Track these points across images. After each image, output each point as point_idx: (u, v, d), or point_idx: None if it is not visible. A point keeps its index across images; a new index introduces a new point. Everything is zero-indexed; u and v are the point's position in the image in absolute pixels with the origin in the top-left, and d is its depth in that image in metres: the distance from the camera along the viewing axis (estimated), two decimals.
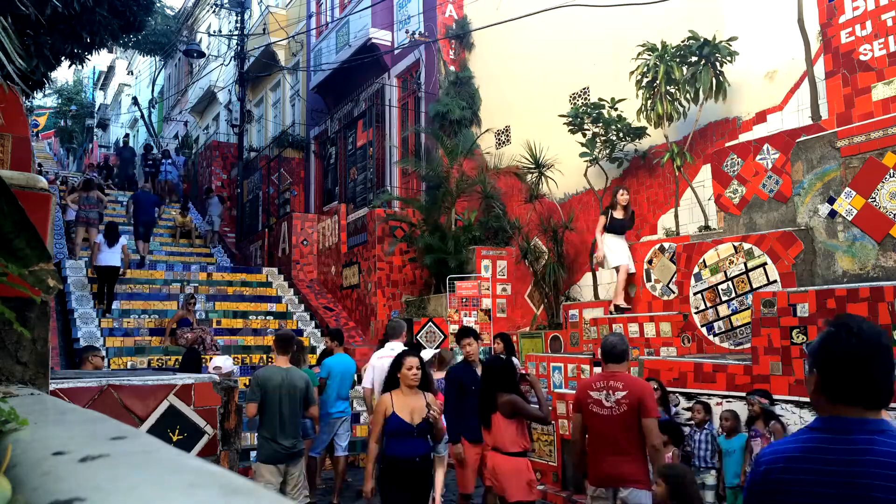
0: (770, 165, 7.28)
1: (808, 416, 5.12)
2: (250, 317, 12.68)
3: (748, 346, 6.11)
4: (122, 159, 23.76)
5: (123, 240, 11.74)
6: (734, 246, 6.96)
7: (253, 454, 6.81)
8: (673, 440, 5.38)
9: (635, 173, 9.64)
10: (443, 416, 5.18)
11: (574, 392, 7.36)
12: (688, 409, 6.02)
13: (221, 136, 23.30)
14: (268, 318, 12.76)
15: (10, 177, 1.79)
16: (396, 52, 14.78)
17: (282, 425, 5.34)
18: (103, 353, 7.99)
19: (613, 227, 8.66)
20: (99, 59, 34.01)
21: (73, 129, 41.02)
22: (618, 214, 8.66)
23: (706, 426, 5.80)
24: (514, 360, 7.89)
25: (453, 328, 10.65)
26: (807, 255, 6.41)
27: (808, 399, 5.13)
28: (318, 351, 11.63)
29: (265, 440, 5.39)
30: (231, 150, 20.69)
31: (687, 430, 5.92)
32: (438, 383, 6.25)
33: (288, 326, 12.45)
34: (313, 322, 13.08)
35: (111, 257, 11.31)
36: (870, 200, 5.92)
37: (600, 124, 9.09)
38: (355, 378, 7.89)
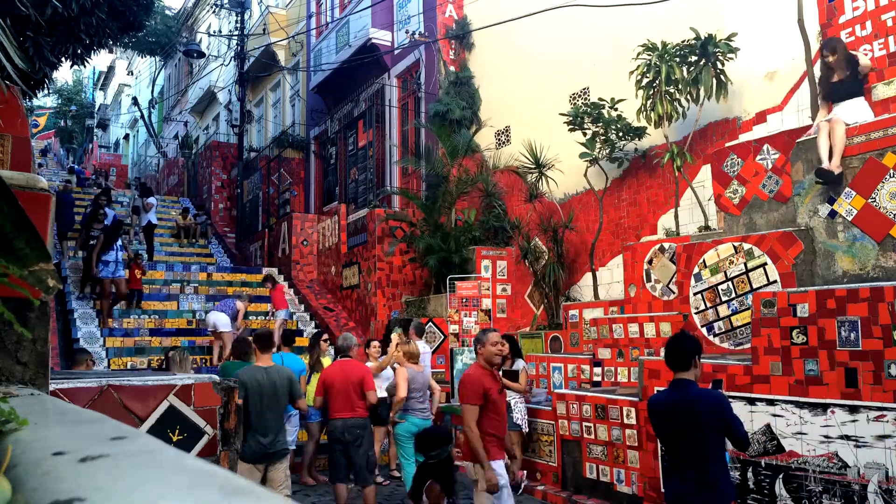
0: (770, 166, 7.28)
1: (809, 416, 5.12)
2: (250, 317, 12.67)
3: (748, 346, 6.11)
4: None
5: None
6: (734, 246, 6.96)
7: None
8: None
9: (635, 173, 9.65)
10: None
11: (572, 392, 7.38)
12: None
13: (221, 136, 23.31)
14: (268, 318, 12.76)
15: (10, 177, 1.79)
16: (396, 52, 14.79)
17: (263, 422, 5.37)
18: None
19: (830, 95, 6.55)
20: (99, 60, 34.02)
21: (73, 129, 41.06)
22: (836, 77, 6.52)
23: None
24: (521, 361, 7.84)
25: (453, 328, 10.66)
26: (807, 256, 6.41)
27: (809, 399, 5.14)
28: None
29: (246, 439, 5.39)
30: (231, 150, 20.70)
31: None
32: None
33: (288, 327, 12.45)
34: (313, 322, 13.08)
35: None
36: (870, 201, 5.92)
37: (600, 124, 9.09)
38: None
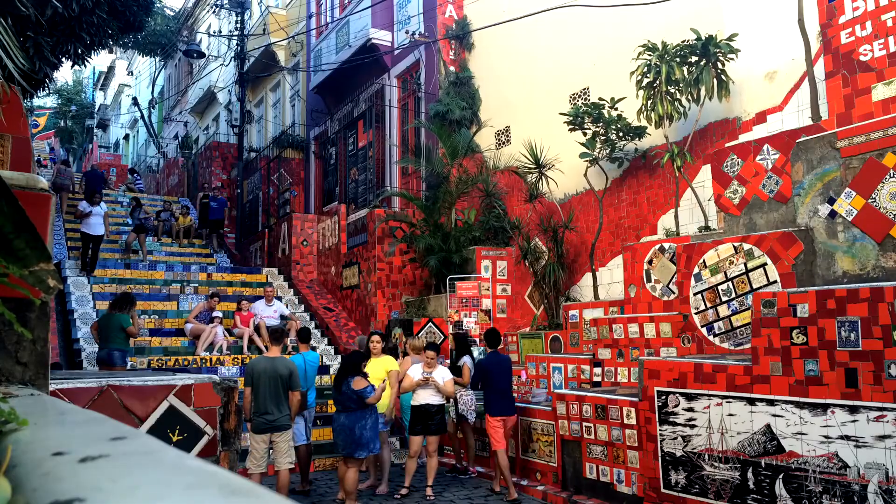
0: (770, 166, 7.28)
1: (809, 416, 5.12)
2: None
3: (748, 346, 6.11)
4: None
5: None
6: (734, 246, 6.96)
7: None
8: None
9: (635, 173, 9.65)
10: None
11: (572, 392, 7.38)
12: (688, 410, 6.02)
13: (221, 136, 23.30)
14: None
15: (10, 177, 1.79)
16: (396, 52, 14.79)
17: (265, 402, 6.53)
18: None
19: None
20: (99, 60, 34.03)
21: (73, 129, 41.02)
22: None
23: None
24: (466, 358, 8.45)
25: (453, 328, 10.65)
26: (807, 256, 6.42)
27: (809, 399, 5.14)
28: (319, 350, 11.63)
29: (254, 415, 6.60)
30: (231, 150, 20.69)
31: None
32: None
33: (287, 327, 12.45)
34: (313, 322, 13.08)
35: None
36: (870, 201, 5.92)
37: (600, 124, 9.09)
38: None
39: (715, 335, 7.03)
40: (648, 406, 6.32)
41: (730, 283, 6.94)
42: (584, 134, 9.29)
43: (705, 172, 8.41)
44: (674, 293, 7.75)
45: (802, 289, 5.52)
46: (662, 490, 6.15)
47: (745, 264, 6.82)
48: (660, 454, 6.20)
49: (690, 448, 5.95)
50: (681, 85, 7.97)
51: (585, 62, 10.59)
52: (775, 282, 6.55)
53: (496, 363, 7.59)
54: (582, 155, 9.31)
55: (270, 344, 7.10)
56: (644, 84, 8.20)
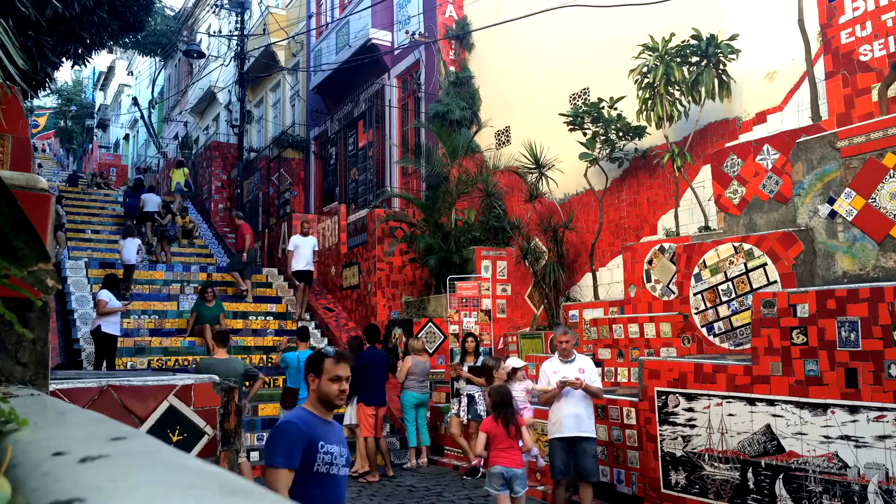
0: (770, 166, 7.28)
1: (809, 416, 5.12)
2: (250, 317, 12.67)
3: (748, 346, 6.11)
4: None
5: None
6: (734, 246, 6.96)
7: (254, 454, 7.77)
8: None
9: (635, 173, 9.65)
10: None
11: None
12: (688, 410, 6.01)
13: (221, 136, 23.29)
14: (268, 318, 12.76)
15: (10, 177, 1.79)
16: (396, 52, 14.78)
17: None
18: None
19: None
20: (99, 60, 33.99)
21: (73, 129, 41.01)
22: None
23: None
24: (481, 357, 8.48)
25: (453, 328, 10.65)
26: (807, 256, 6.41)
27: (809, 399, 5.14)
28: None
29: None
30: (231, 150, 20.69)
31: None
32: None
33: (288, 327, 12.47)
34: (313, 322, 13.07)
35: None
36: (870, 201, 5.92)
37: (600, 123, 9.09)
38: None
39: (715, 335, 7.03)
40: (648, 406, 6.32)
41: (730, 283, 6.94)
42: (584, 134, 9.29)
43: (705, 172, 8.41)
44: (674, 293, 7.75)
45: (802, 289, 5.52)
46: (662, 490, 6.15)
47: (745, 264, 6.82)
48: (660, 454, 6.20)
49: (690, 448, 5.95)
50: (681, 85, 7.97)
51: (585, 62, 10.59)
52: (775, 282, 6.55)
53: (372, 358, 8.22)
54: (582, 155, 9.30)
55: (217, 346, 7.10)
56: (644, 84, 8.20)
